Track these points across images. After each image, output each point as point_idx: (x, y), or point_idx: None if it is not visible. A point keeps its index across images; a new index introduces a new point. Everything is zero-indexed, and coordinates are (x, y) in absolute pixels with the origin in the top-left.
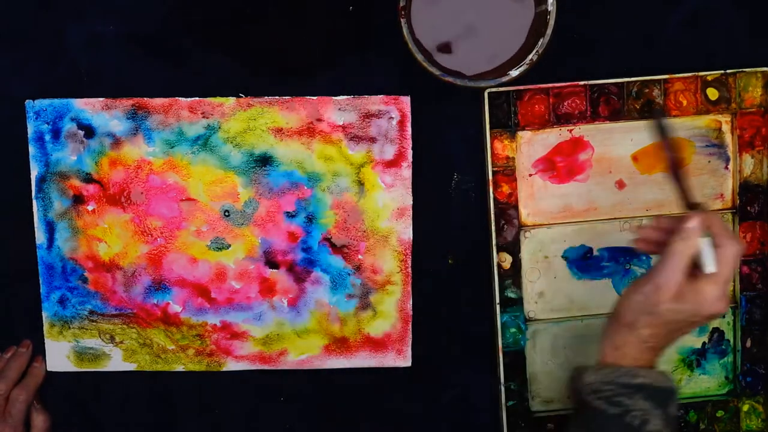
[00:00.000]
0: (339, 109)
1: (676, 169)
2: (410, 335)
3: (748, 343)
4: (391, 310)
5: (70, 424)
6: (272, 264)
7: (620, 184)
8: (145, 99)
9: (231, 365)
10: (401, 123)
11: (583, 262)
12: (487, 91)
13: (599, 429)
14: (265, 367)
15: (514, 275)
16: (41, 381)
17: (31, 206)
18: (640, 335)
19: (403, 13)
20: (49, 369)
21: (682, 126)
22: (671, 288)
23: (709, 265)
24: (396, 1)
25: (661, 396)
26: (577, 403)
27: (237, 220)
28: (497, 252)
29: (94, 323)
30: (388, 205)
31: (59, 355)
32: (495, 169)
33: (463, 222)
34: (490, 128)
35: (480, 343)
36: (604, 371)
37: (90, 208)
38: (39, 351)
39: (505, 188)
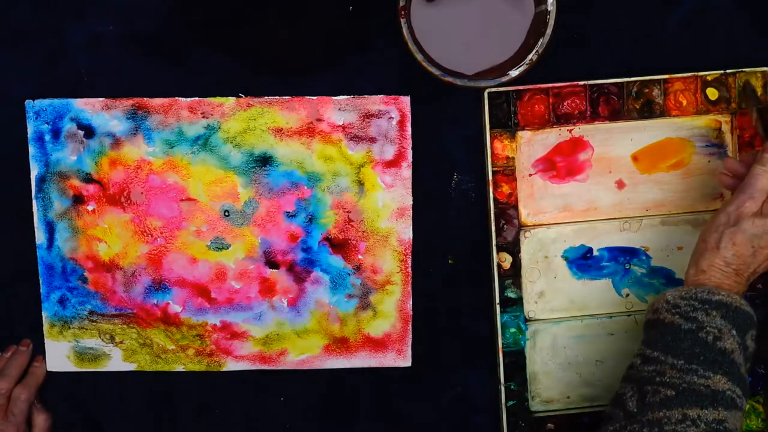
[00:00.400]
0: (339, 109)
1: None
2: (410, 335)
3: None
4: (391, 310)
5: (70, 424)
6: (272, 264)
7: (620, 184)
8: (145, 99)
9: (231, 365)
10: (401, 123)
11: (583, 262)
12: (487, 91)
13: (672, 343)
14: (265, 367)
15: (514, 275)
16: (42, 380)
17: (31, 206)
18: (725, 256)
19: (403, 13)
20: (49, 369)
21: (682, 126)
22: (753, 206)
23: None
24: (396, 1)
25: (739, 318)
26: (651, 325)
27: (237, 220)
28: (497, 252)
29: (94, 323)
30: (388, 205)
31: (59, 355)
32: (495, 169)
33: (463, 222)
34: (490, 128)
35: (480, 343)
36: (685, 288)
37: (90, 208)
38: (39, 351)
39: (505, 188)
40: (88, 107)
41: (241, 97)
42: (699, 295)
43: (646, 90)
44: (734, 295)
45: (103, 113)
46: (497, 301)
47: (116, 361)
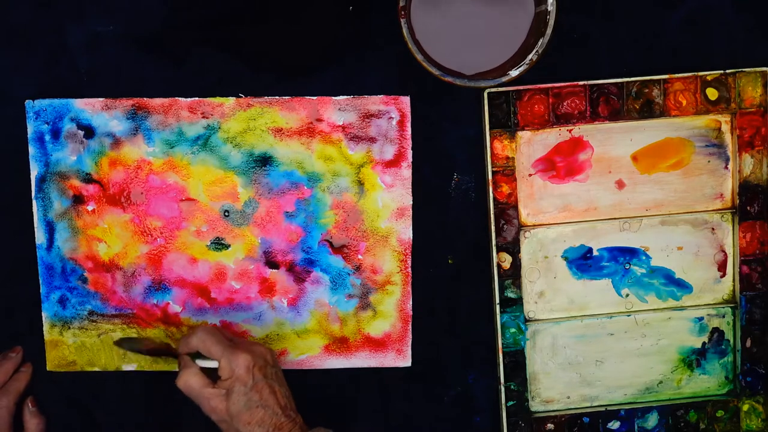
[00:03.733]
0: (339, 109)
1: None
2: (410, 335)
3: (748, 343)
4: (391, 310)
5: (70, 424)
6: (272, 264)
7: (620, 184)
8: (145, 99)
9: None
10: (401, 123)
11: (583, 262)
12: (487, 91)
13: None
14: None
15: (513, 275)
16: (24, 386)
17: (31, 206)
18: None
19: (403, 13)
20: (49, 369)
21: (682, 126)
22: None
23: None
24: (396, 1)
25: None
26: None
27: (237, 220)
28: (497, 252)
29: (94, 323)
30: (388, 205)
31: (59, 355)
32: (495, 169)
33: (463, 222)
34: (490, 128)
35: (480, 343)
36: None
37: (90, 208)
38: (39, 351)
39: (505, 188)
40: (88, 107)
41: (241, 97)
42: None
43: (646, 90)
44: None
45: (103, 113)
46: (497, 301)
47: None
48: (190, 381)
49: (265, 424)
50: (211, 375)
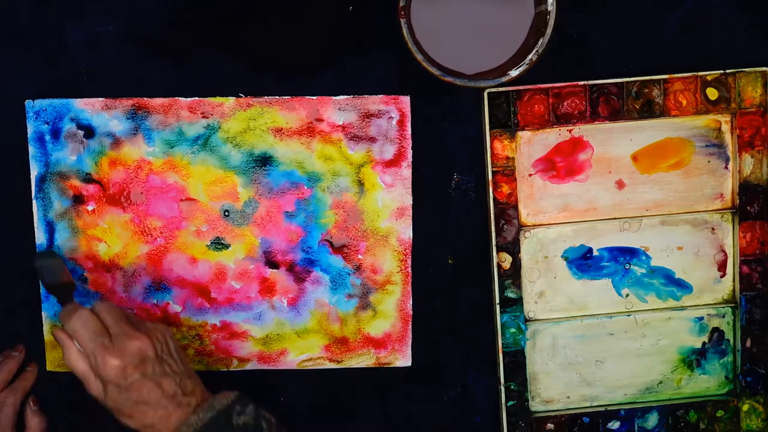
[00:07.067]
0: (339, 108)
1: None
2: (410, 335)
3: (748, 343)
4: (391, 310)
5: (70, 424)
6: (272, 264)
7: (620, 184)
8: (145, 99)
9: (231, 365)
10: (401, 123)
11: (583, 262)
12: (487, 91)
13: None
14: (265, 367)
15: (514, 275)
16: (31, 385)
17: (31, 206)
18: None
19: (403, 13)
20: (49, 369)
21: (682, 126)
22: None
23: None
24: (396, 1)
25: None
26: None
27: (237, 220)
28: (497, 252)
29: None
30: (388, 204)
31: (59, 355)
32: (495, 169)
33: (463, 222)
34: (490, 128)
35: (480, 343)
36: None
37: (90, 208)
38: (39, 351)
39: (505, 188)
40: (88, 107)
41: (241, 97)
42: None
43: (646, 90)
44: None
45: (103, 113)
46: (497, 301)
47: None
48: (72, 364)
49: (149, 417)
50: None
